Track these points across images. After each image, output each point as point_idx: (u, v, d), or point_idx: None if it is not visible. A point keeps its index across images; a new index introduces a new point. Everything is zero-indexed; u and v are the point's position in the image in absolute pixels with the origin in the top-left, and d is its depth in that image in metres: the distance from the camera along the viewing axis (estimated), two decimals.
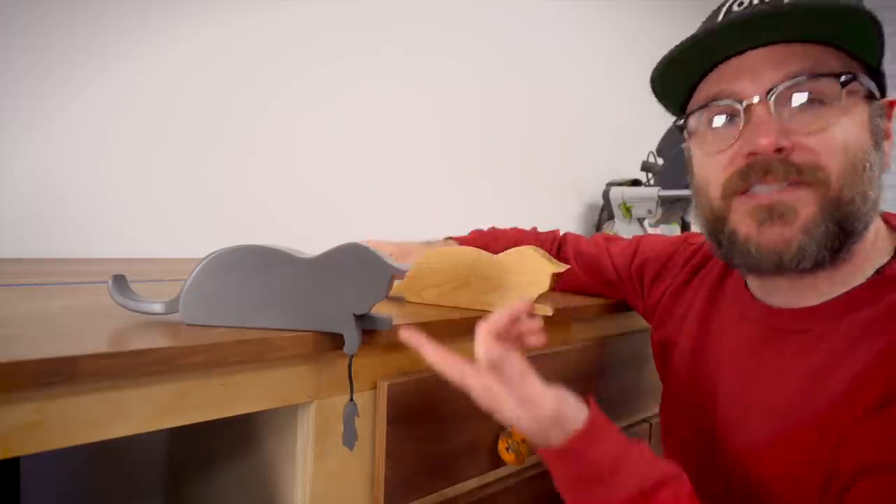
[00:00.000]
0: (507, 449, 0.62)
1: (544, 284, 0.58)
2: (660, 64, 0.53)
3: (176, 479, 0.83)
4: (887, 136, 0.50)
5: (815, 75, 0.46)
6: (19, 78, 0.86)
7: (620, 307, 0.80)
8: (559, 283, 0.82)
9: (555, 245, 0.85)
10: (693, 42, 0.49)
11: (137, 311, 0.48)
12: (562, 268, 0.58)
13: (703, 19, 0.54)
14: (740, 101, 0.48)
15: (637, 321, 0.86)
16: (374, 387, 0.55)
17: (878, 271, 0.49)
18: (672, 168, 1.57)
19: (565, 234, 0.86)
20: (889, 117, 0.50)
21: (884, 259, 0.50)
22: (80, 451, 0.85)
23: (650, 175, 1.67)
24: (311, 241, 0.76)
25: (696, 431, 0.61)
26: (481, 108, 1.53)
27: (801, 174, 0.46)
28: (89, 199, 0.93)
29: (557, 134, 1.73)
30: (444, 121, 1.45)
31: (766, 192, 0.48)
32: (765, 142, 0.46)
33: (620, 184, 1.67)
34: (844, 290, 0.50)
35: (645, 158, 1.70)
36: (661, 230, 1.61)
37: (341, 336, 0.49)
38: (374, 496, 0.55)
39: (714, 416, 0.58)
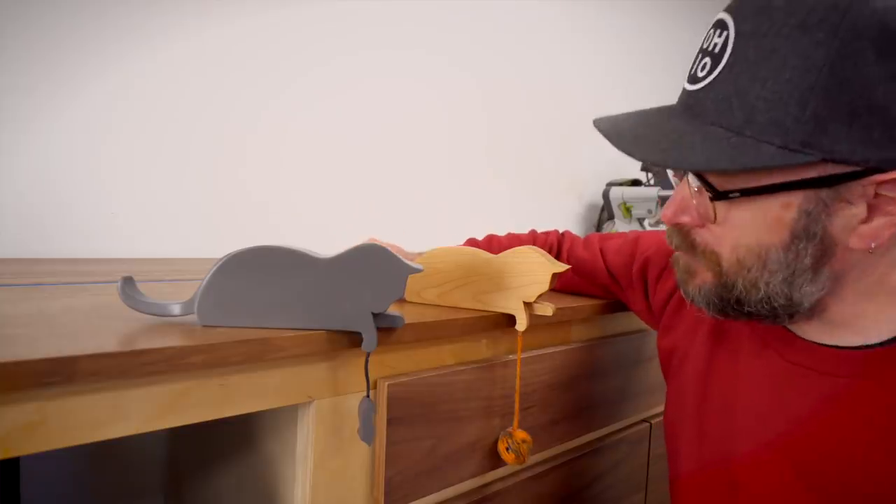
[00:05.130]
0: (507, 449, 0.62)
1: (544, 284, 0.58)
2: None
3: (176, 479, 0.83)
4: (890, 213, 0.42)
5: (701, 177, 0.46)
6: (19, 78, 0.86)
7: (620, 307, 0.80)
8: (558, 284, 0.82)
9: (553, 248, 0.84)
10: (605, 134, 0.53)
11: (151, 314, 0.48)
12: (562, 268, 0.58)
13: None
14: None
15: (637, 321, 0.86)
16: (374, 387, 0.55)
17: None
18: None
19: (563, 235, 0.85)
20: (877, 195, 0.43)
21: None
22: (80, 451, 0.85)
23: (650, 175, 1.67)
24: (310, 242, 0.76)
25: (701, 448, 0.59)
26: (481, 108, 1.53)
27: (694, 251, 0.50)
28: (89, 199, 0.93)
29: (557, 134, 1.73)
30: (443, 121, 1.45)
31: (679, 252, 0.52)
32: (666, 213, 0.51)
33: (620, 184, 1.67)
34: (888, 336, 0.46)
35: None
36: (662, 230, 1.61)
37: (346, 336, 0.49)
38: (374, 496, 0.55)
39: (728, 436, 0.56)
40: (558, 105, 1.73)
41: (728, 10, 0.46)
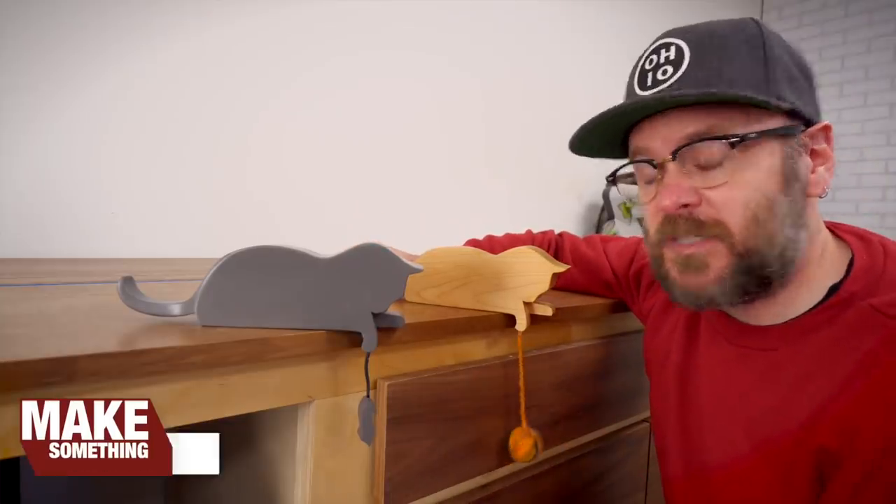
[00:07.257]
0: (533, 445, 0.62)
1: (544, 284, 0.58)
2: (577, 135, 0.57)
3: (176, 479, 0.83)
4: (825, 160, 0.52)
5: (708, 138, 0.49)
6: (19, 78, 0.86)
7: (620, 307, 0.80)
8: (558, 282, 0.83)
9: (551, 247, 0.85)
10: (608, 116, 0.53)
11: (151, 314, 0.48)
12: (562, 268, 0.58)
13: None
14: (653, 161, 0.53)
15: (636, 321, 0.86)
16: (375, 386, 0.55)
17: (831, 289, 0.51)
18: None
19: (561, 235, 0.87)
20: (827, 141, 0.52)
21: (836, 277, 0.52)
22: None
23: None
24: (309, 242, 0.75)
25: (682, 443, 0.62)
26: (482, 108, 1.53)
27: (703, 229, 0.50)
28: (89, 199, 0.93)
29: (557, 134, 1.73)
30: (444, 121, 1.45)
31: (685, 244, 0.52)
32: (667, 202, 0.51)
33: None
34: (803, 309, 0.52)
35: None
36: None
37: (346, 336, 0.49)
38: (374, 496, 0.55)
39: (699, 430, 0.60)
40: (558, 105, 1.73)
41: (668, 34, 0.53)
